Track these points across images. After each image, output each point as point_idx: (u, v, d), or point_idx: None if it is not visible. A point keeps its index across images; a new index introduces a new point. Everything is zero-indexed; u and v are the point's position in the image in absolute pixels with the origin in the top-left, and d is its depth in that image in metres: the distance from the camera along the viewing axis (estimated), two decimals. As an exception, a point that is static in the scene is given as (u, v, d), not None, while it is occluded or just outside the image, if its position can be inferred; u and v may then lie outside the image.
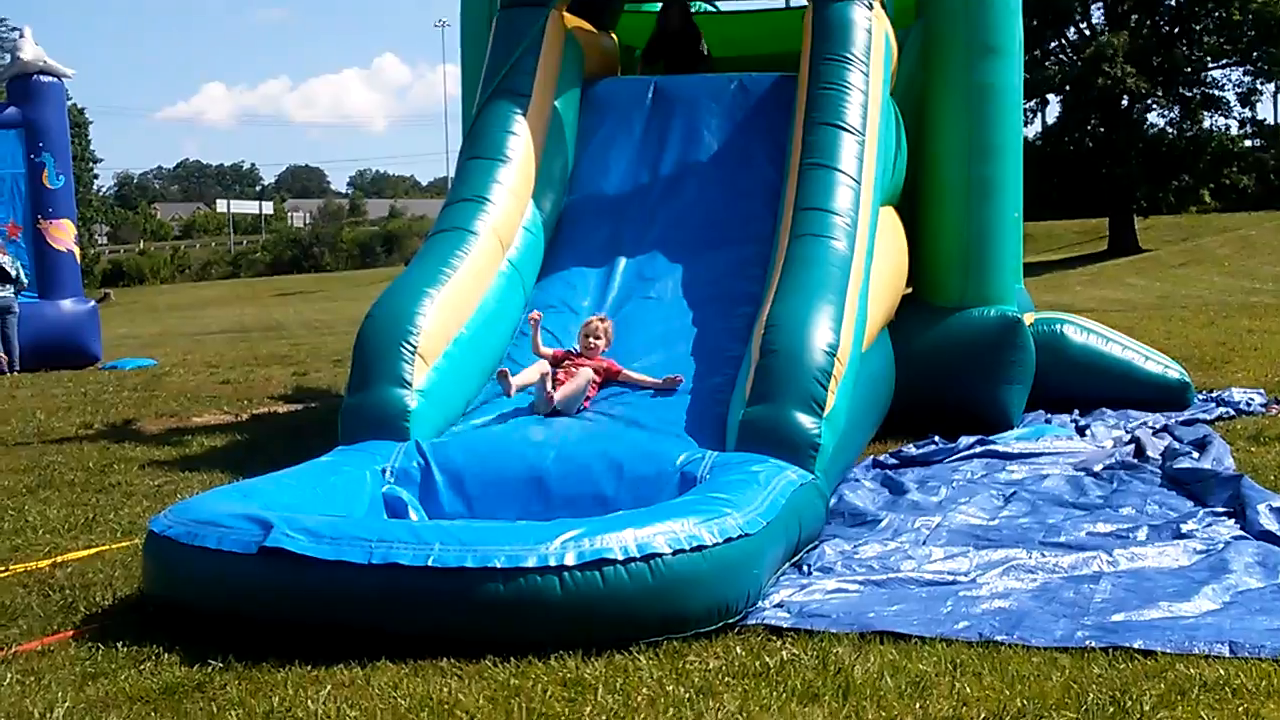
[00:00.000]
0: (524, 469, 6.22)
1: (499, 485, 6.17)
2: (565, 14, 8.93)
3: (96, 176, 76.58)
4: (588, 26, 9.40)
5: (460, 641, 4.57)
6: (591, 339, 7.29)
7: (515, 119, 8.32)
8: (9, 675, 4.52)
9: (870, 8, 8.23)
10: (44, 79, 17.71)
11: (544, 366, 7.08)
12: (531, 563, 4.57)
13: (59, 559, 6.22)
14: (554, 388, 6.94)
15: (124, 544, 6.50)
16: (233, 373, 16.01)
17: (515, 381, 7.01)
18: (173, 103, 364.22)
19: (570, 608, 4.58)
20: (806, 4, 8.47)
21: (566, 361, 7.20)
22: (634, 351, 7.45)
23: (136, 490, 8.07)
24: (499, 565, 4.56)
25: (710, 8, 12.55)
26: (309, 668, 4.47)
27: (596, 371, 7.17)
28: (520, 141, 8.28)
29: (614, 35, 10.19)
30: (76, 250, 18.30)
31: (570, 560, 4.59)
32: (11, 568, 6.08)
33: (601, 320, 7.43)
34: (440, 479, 6.27)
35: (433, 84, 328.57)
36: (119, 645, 4.78)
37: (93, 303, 18.59)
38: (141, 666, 4.57)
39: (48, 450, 9.83)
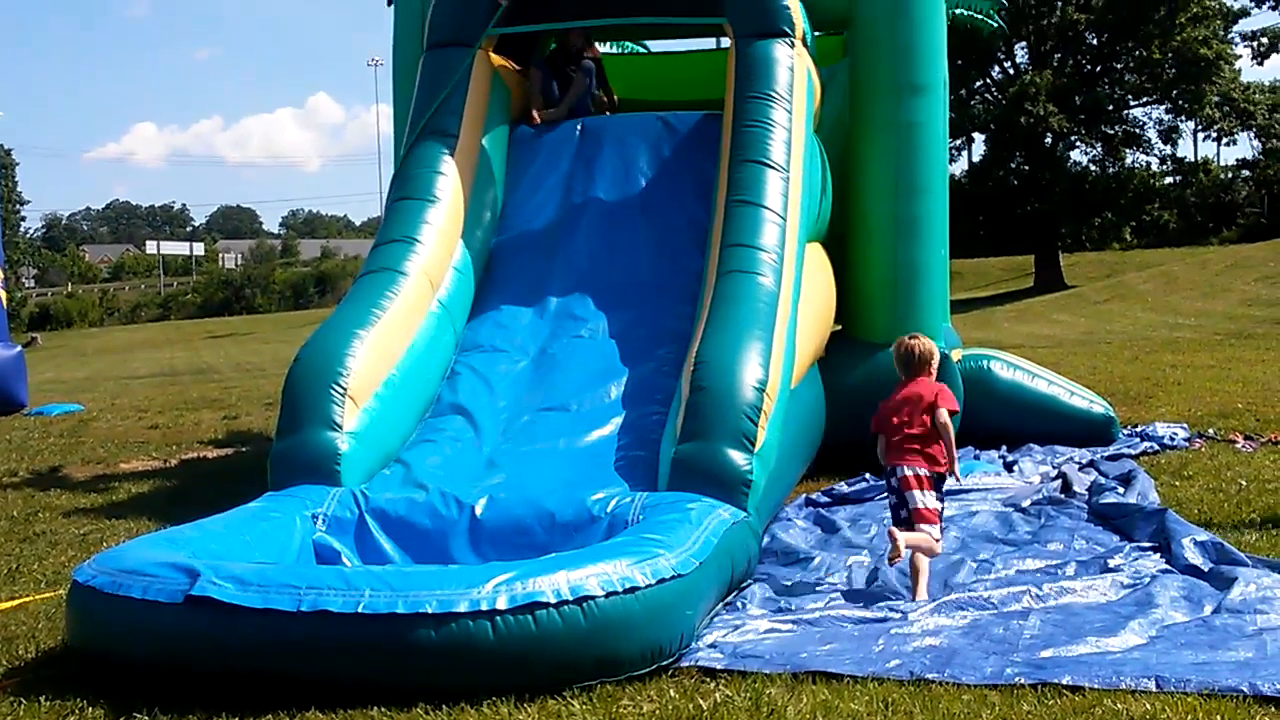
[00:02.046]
0: (456, 516, 6.20)
1: (433, 533, 6.14)
2: (491, 54, 8.97)
3: (24, 218, 75.62)
4: (514, 66, 9.45)
5: (392, 689, 4.53)
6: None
7: (443, 159, 8.32)
8: (-73, 732, 4.42)
9: (792, 45, 8.34)
10: (-31, 120, 17.46)
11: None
12: (463, 607, 4.54)
13: (-20, 611, 6.11)
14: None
15: (48, 595, 6.38)
16: (161, 417, 15.79)
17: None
18: (102, 143, 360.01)
19: (503, 652, 4.55)
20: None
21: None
22: (564, 391, 7.44)
23: (61, 539, 7.93)
24: (430, 610, 4.53)
25: (640, 49, 12.60)
26: (237, 718, 4.40)
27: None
28: (448, 182, 8.27)
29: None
30: (3, 294, 17.95)
31: (502, 604, 4.57)
32: (-70, 621, 5.96)
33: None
34: (374, 526, 6.23)
35: (367, 123, 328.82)
36: (42, 699, 4.69)
37: (19, 347, 18.20)
38: (64, 720, 4.49)
39: (-31, 499, 9.64)
